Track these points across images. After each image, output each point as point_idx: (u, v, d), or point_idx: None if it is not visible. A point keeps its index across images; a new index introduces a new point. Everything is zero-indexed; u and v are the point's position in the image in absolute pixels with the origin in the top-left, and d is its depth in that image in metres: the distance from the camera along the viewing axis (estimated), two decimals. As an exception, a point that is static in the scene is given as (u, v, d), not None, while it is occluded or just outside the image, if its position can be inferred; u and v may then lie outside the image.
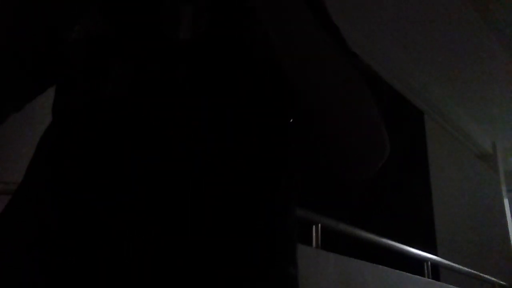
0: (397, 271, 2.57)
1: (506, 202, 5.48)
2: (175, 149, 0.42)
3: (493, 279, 3.98)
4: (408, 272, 2.69)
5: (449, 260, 3.38)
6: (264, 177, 0.45)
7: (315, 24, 0.45)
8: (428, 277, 3.01)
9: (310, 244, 2.03)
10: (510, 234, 5.20)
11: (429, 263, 3.06)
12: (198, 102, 0.44)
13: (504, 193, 5.51)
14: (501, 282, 4.10)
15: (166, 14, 0.47)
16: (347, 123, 0.47)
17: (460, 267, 3.50)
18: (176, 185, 0.40)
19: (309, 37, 0.44)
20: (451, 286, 3.28)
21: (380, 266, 2.43)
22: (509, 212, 5.45)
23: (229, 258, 0.40)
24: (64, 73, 0.48)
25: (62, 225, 0.39)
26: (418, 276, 2.80)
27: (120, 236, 0.38)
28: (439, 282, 3.25)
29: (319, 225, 2.07)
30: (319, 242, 2.06)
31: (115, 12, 0.48)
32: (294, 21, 0.43)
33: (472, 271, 3.66)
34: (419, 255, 2.95)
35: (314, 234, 2.05)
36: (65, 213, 0.40)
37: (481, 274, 3.78)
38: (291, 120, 0.52)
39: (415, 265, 2.96)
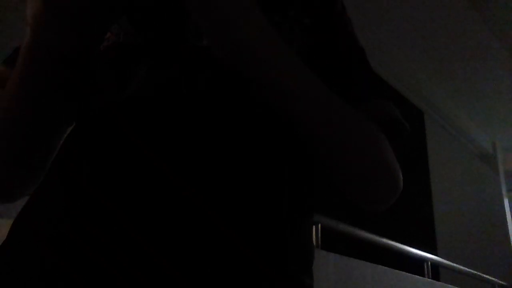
0: (397, 271, 2.58)
1: (506, 202, 5.48)
2: (189, 152, 0.42)
3: (493, 279, 3.98)
4: (408, 272, 2.70)
5: (449, 260, 3.38)
6: (272, 186, 0.44)
7: (303, 70, 0.43)
8: (428, 277, 3.01)
9: (310, 244, 2.03)
10: (510, 234, 5.20)
11: (429, 263, 3.07)
12: (217, 105, 0.44)
13: (504, 193, 5.51)
14: (501, 282, 4.11)
15: (191, 21, 0.48)
16: (352, 169, 0.46)
17: (460, 267, 3.51)
18: (187, 191, 0.40)
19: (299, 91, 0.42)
20: (451, 286, 3.28)
21: (380, 266, 2.43)
22: (509, 212, 5.45)
23: (238, 268, 0.39)
24: (89, 79, 0.48)
25: (73, 226, 0.39)
26: (418, 276, 2.80)
27: (132, 239, 0.37)
28: (439, 282, 3.26)
29: (319, 225, 2.07)
30: (319, 242, 2.06)
31: (143, 21, 0.49)
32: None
33: (472, 271, 3.66)
34: (419, 255, 2.95)
35: (314, 234, 2.06)
36: (78, 215, 0.40)
37: (481, 274, 3.79)
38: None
39: (415, 265, 2.96)
